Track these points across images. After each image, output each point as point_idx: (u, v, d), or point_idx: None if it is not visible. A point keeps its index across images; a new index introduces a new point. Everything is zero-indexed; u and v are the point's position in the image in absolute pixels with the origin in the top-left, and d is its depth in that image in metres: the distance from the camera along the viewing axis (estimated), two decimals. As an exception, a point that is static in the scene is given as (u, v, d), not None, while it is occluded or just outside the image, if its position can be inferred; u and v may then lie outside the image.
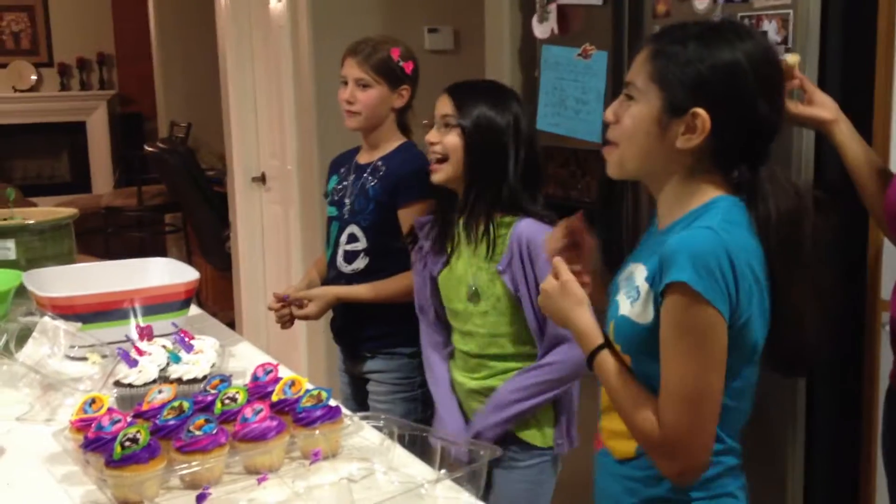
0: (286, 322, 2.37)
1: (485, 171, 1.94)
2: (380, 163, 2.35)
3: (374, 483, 1.36)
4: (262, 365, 1.61)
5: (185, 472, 1.30)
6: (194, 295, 1.99)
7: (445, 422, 2.05)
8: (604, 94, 2.46)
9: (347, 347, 2.48)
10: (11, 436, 1.56)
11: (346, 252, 2.36)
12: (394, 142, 2.38)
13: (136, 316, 1.88)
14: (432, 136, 1.99)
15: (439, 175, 2.00)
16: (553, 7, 2.63)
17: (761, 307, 1.33)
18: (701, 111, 1.32)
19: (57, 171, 8.44)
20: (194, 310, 2.26)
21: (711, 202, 1.36)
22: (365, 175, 2.36)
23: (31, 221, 2.20)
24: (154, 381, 1.63)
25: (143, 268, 2.14)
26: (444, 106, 1.99)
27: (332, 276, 2.40)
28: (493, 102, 2.00)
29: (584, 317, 1.44)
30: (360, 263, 2.34)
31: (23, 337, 1.80)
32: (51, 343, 1.78)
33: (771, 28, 1.95)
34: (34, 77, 8.07)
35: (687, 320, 1.28)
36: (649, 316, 1.34)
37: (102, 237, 5.91)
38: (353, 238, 2.35)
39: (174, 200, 5.54)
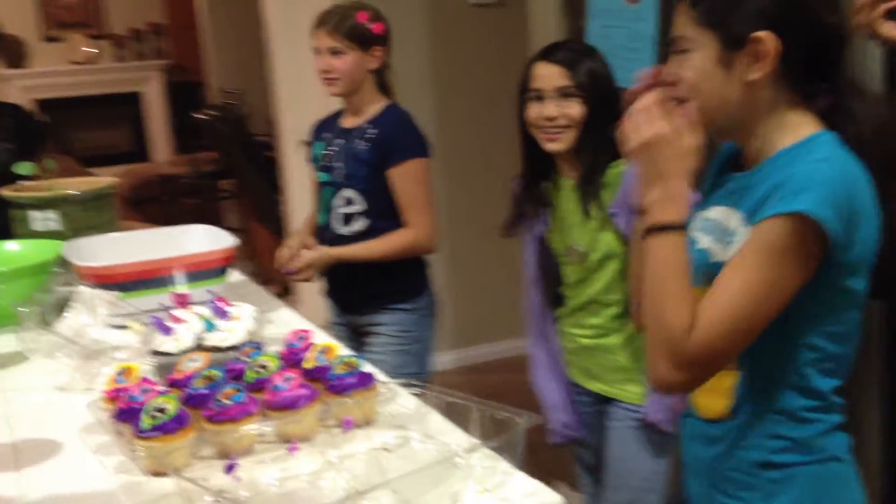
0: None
1: (604, 126, 1.86)
2: (368, 126, 2.38)
3: (409, 452, 1.33)
4: (296, 331, 1.57)
5: (214, 441, 1.28)
6: (233, 261, 1.96)
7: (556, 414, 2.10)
8: (655, 40, 2.37)
9: (345, 302, 2.53)
10: (51, 405, 1.56)
11: (343, 215, 2.40)
12: (376, 103, 2.42)
13: (174, 284, 1.86)
14: (550, 109, 1.94)
15: (560, 144, 1.95)
16: (598, -47, 2.54)
17: (873, 240, 1.25)
18: (762, 34, 1.25)
19: (116, 142, 8.54)
20: (237, 276, 2.24)
21: (811, 138, 1.28)
22: (354, 139, 2.38)
23: (73, 192, 2.20)
24: (191, 349, 1.61)
25: (183, 235, 2.12)
26: (556, 76, 1.94)
27: (330, 238, 2.44)
28: (591, 53, 1.99)
29: (684, 182, 1.29)
30: (360, 225, 2.39)
31: (62, 307, 1.80)
32: (90, 312, 1.77)
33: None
34: (90, 49, 8.15)
35: (787, 241, 1.19)
36: None
37: (160, 205, 5.96)
38: (349, 202, 2.39)
39: (227, 167, 5.56)
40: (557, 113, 1.94)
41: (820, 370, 1.30)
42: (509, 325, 3.83)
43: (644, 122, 1.31)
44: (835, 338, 1.30)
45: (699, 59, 1.30)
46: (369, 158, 2.36)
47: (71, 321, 1.75)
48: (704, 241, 1.36)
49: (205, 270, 1.89)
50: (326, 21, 2.37)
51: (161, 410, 1.28)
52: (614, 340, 1.98)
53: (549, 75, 1.95)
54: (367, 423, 1.40)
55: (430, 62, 4.07)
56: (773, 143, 1.31)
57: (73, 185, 2.23)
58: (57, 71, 8.02)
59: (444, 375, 3.88)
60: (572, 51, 2.00)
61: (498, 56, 4.13)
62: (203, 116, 5.31)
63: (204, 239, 2.08)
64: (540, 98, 1.96)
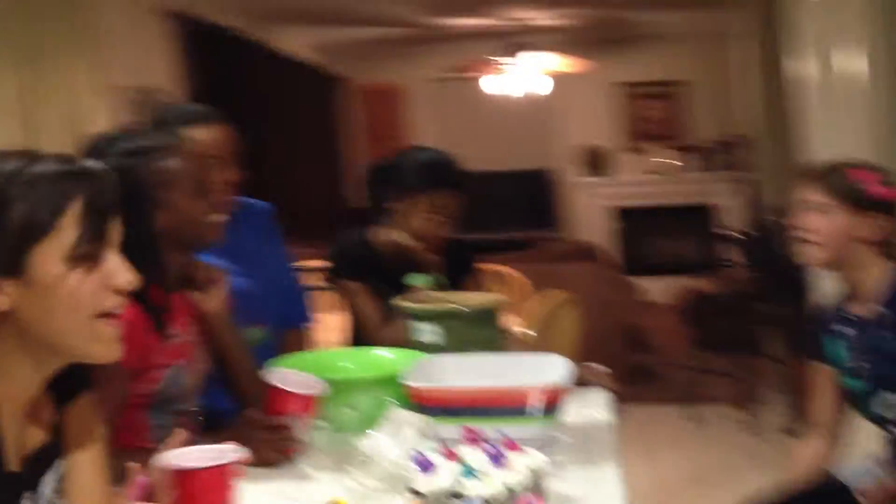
0: None
1: None
2: (884, 309, 1.99)
3: None
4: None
5: None
6: (557, 404, 1.76)
7: None
8: None
9: None
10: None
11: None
12: (878, 275, 2.03)
13: (487, 416, 1.73)
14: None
15: None
16: None
17: None
18: None
19: (685, 252, 8.57)
20: (602, 416, 2.03)
21: None
22: (875, 331, 2.00)
23: (458, 307, 2.20)
24: (446, 493, 1.46)
25: (539, 365, 1.96)
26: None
27: None
28: None
29: None
30: None
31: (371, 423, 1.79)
32: (394, 433, 1.72)
33: None
34: (666, 160, 8.38)
35: None
36: None
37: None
38: (890, 407, 1.98)
39: (761, 289, 5.21)
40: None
41: None
42: None
43: None
44: None
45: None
46: None
47: (374, 439, 1.72)
48: None
49: (519, 407, 1.72)
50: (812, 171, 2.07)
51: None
52: None
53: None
54: None
55: None
56: None
57: (463, 301, 2.23)
58: (634, 181, 8.40)
59: None
60: None
61: None
62: (731, 233, 5.05)
63: (555, 372, 1.90)
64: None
